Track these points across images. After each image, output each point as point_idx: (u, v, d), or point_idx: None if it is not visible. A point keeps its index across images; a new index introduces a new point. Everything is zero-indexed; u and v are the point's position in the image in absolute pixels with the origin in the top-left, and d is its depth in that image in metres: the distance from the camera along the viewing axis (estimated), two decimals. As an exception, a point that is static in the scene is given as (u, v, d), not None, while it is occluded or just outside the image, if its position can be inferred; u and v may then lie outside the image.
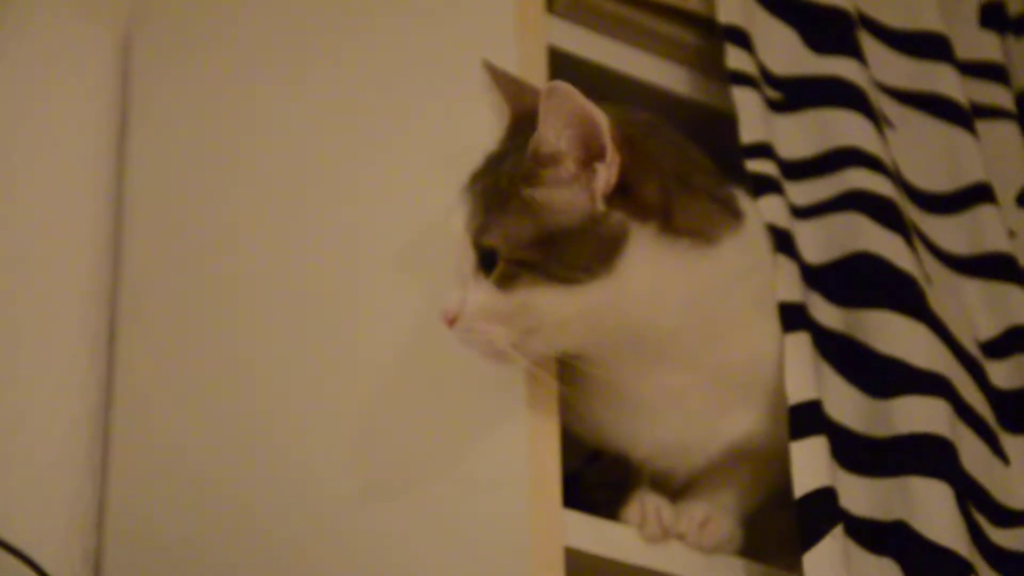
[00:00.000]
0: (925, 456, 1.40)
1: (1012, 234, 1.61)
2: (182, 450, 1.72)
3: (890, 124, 1.61)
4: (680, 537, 1.43)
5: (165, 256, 1.85)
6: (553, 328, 1.35)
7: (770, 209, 1.48)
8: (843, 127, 1.56)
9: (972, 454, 1.44)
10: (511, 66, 1.47)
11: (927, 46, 1.68)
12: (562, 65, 1.54)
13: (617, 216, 1.35)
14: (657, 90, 1.60)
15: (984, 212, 1.59)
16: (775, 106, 1.58)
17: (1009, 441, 1.50)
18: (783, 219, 1.48)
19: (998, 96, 1.71)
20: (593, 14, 1.57)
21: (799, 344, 1.43)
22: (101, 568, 1.76)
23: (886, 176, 1.53)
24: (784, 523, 1.51)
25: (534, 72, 1.49)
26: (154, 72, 1.96)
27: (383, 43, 1.63)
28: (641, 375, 1.39)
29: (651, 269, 1.36)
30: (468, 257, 1.35)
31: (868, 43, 1.65)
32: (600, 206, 1.35)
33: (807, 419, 1.40)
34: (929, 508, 1.38)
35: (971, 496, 1.42)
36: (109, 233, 1.91)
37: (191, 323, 1.78)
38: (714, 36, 1.58)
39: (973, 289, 1.57)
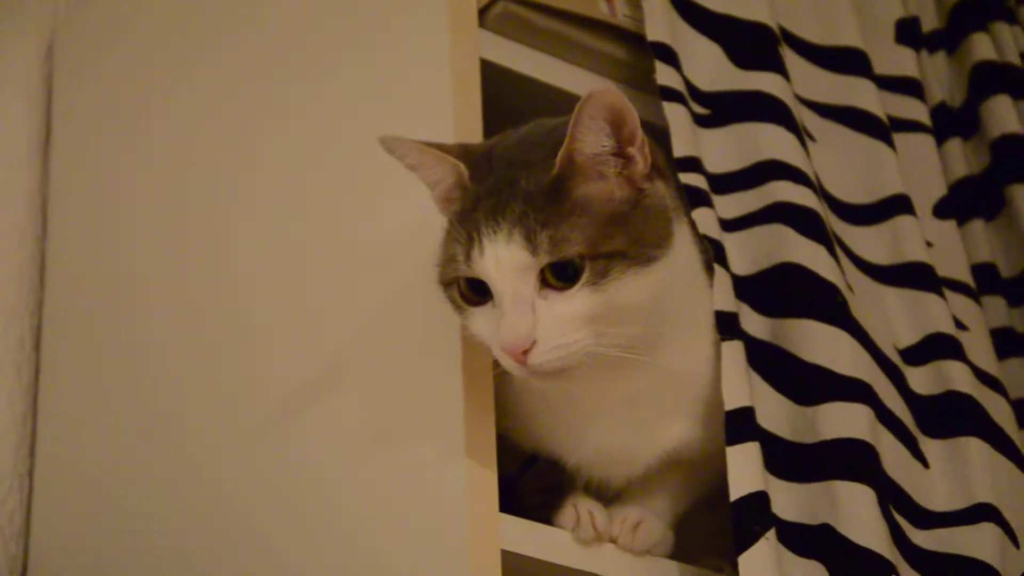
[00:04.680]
0: (848, 461, 1.44)
1: (930, 245, 1.66)
2: (104, 462, 1.75)
3: (811, 137, 1.65)
4: (613, 540, 1.46)
5: (92, 263, 1.86)
6: (631, 317, 1.36)
7: (703, 221, 1.51)
8: (767, 141, 1.60)
9: (893, 458, 1.49)
10: (445, 79, 1.50)
11: (847, 61, 1.72)
12: (495, 78, 1.56)
13: (659, 185, 1.39)
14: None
15: (903, 223, 1.64)
16: (702, 121, 1.62)
17: (928, 445, 1.55)
18: (715, 231, 1.52)
19: (914, 110, 1.76)
20: (525, 29, 1.60)
21: (734, 352, 1.46)
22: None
23: (809, 188, 1.57)
24: (711, 526, 1.57)
25: (467, 84, 1.52)
26: (78, 78, 1.96)
27: (318, 55, 1.65)
28: (596, 379, 1.40)
29: (685, 241, 1.42)
30: (527, 280, 1.33)
31: (790, 58, 1.69)
32: (643, 185, 1.38)
33: (742, 425, 1.44)
34: (852, 511, 1.42)
35: (892, 499, 1.47)
36: (34, 240, 1.92)
37: (118, 331, 1.79)
38: (645, 51, 1.61)
39: (893, 298, 1.62)
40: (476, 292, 1.37)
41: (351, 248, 1.56)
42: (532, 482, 1.50)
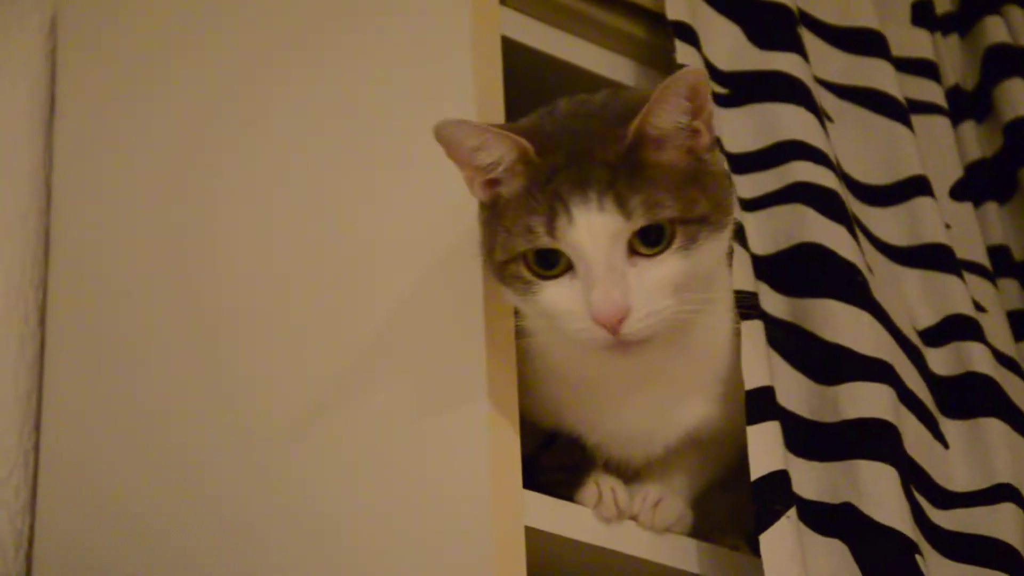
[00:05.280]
0: (871, 440, 1.45)
1: (947, 227, 1.66)
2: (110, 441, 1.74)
3: (829, 118, 1.65)
4: (633, 518, 1.46)
5: (97, 239, 1.85)
6: (705, 282, 1.39)
7: None
8: (787, 121, 1.60)
9: (914, 438, 1.49)
10: (466, 57, 1.50)
11: (864, 42, 1.72)
12: (515, 55, 1.56)
13: (718, 155, 1.42)
14: (606, 82, 1.62)
15: (921, 204, 1.64)
16: (721, 101, 1.62)
17: (947, 425, 1.55)
18: (735, 210, 1.51)
19: (930, 92, 1.77)
20: (545, 7, 1.60)
21: (754, 331, 1.46)
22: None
23: (829, 168, 1.57)
24: (727, 505, 1.57)
25: (489, 61, 1.51)
26: (82, 52, 1.94)
27: (337, 38, 1.64)
28: (611, 361, 1.40)
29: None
30: (619, 248, 1.34)
31: (808, 39, 1.69)
32: (705, 156, 1.39)
33: (762, 404, 1.44)
34: (875, 490, 1.42)
35: (913, 479, 1.47)
36: (38, 214, 1.90)
37: (123, 307, 1.78)
38: (662, 30, 1.61)
39: (912, 279, 1.62)
40: (546, 265, 1.36)
41: (366, 237, 1.56)
42: (553, 459, 1.50)
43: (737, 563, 1.52)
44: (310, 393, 1.54)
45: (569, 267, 1.36)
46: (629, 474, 1.50)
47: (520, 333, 1.44)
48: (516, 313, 1.43)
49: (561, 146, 1.37)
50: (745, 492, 1.54)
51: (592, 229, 1.34)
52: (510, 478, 1.40)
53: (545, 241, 1.35)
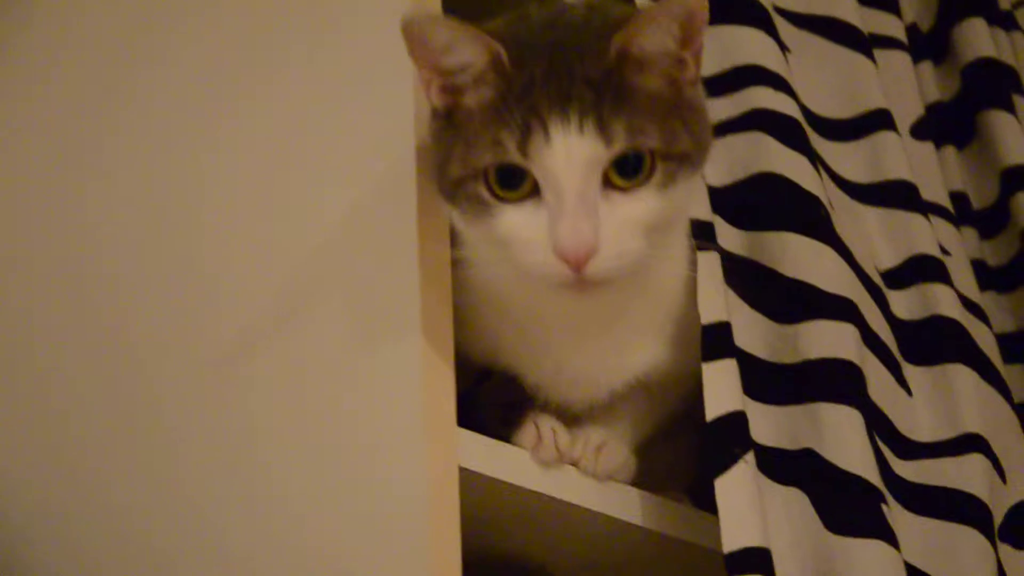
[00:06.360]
0: (834, 382, 1.35)
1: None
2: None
3: (787, 48, 1.55)
4: (574, 463, 1.35)
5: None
6: (677, 224, 1.30)
7: None
8: (744, 44, 1.50)
9: (877, 383, 1.40)
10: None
11: None
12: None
13: (701, 90, 1.30)
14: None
15: (884, 139, 1.55)
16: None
17: (910, 372, 1.46)
18: None
19: (891, 26, 1.68)
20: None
21: (711, 263, 1.36)
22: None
23: (789, 96, 1.48)
24: (668, 457, 1.47)
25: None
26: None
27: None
28: (561, 299, 1.28)
29: None
30: (594, 176, 1.22)
31: (764, -35, 1.59)
32: (688, 92, 1.27)
33: (718, 340, 1.34)
34: (839, 435, 1.32)
35: (876, 426, 1.37)
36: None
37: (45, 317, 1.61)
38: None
39: (874, 217, 1.53)
40: (509, 186, 1.24)
41: (293, 163, 1.42)
42: (489, 395, 1.38)
43: (683, 516, 1.43)
44: (234, 330, 1.41)
45: (534, 191, 1.23)
46: (567, 420, 1.38)
47: (458, 264, 1.32)
48: (454, 243, 1.32)
49: (539, 57, 1.25)
50: (685, 444, 1.47)
51: (570, 152, 1.21)
52: (444, 415, 1.28)
53: (514, 157, 1.23)
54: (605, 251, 1.21)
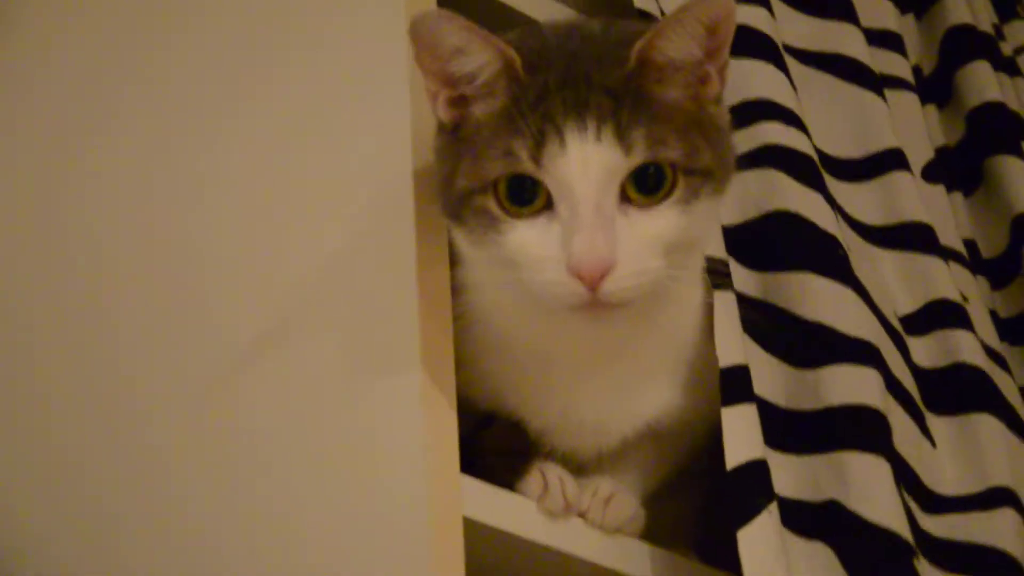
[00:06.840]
0: (859, 429, 1.28)
1: (923, 210, 1.51)
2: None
3: (794, 86, 1.49)
4: (581, 515, 1.27)
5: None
6: (696, 247, 1.22)
7: None
8: (754, 78, 1.44)
9: (902, 432, 1.33)
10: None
11: (831, 5, 1.58)
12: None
13: (725, 110, 1.24)
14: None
15: (898, 179, 1.49)
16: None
17: (933, 422, 1.39)
18: None
19: (898, 66, 1.63)
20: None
21: (728, 303, 1.29)
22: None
23: (802, 131, 1.42)
24: (674, 511, 1.39)
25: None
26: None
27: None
28: (571, 331, 1.23)
29: None
30: (611, 188, 1.15)
31: (772, 1, 1.53)
32: (711, 109, 1.21)
33: (738, 384, 1.26)
34: (865, 485, 1.25)
35: (902, 477, 1.30)
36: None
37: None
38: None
39: (890, 261, 1.46)
40: (521, 201, 1.17)
41: (292, 185, 1.37)
42: (492, 442, 1.30)
43: (693, 572, 1.34)
44: (225, 351, 1.34)
45: (547, 206, 1.16)
46: (573, 469, 1.30)
47: (458, 289, 1.25)
48: (453, 265, 1.25)
49: (554, 65, 1.18)
50: (690, 496, 1.40)
51: (586, 161, 1.15)
52: (447, 461, 1.21)
53: (527, 167, 1.16)
54: (622, 268, 1.14)
